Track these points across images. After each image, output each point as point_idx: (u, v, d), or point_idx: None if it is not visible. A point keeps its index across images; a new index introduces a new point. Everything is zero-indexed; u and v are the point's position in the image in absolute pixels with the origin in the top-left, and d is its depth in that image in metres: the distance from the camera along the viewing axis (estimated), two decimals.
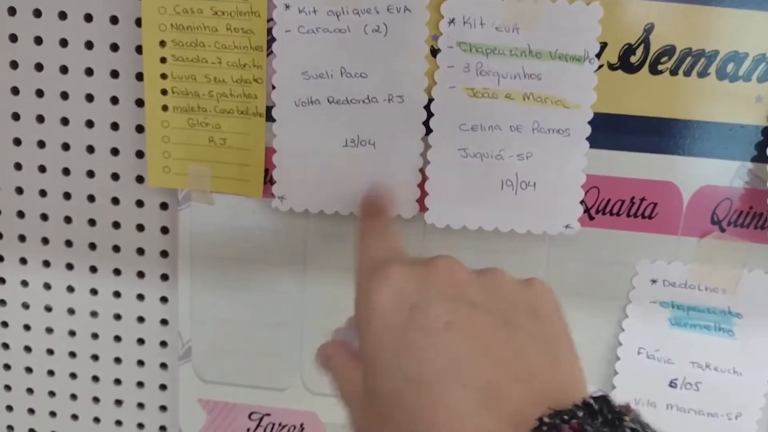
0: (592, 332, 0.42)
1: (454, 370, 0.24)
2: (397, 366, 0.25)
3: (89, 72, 0.42)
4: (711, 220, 0.40)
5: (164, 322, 0.47)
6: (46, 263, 0.46)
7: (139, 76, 0.42)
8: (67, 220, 0.45)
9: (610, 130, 0.39)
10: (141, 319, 0.47)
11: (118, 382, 0.48)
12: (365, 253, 0.32)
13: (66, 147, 0.44)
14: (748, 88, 0.38)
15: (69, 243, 0.46)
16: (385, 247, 0.32)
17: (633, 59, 0.38)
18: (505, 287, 0.28)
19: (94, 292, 0.47)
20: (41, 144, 0.44)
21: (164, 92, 0.41)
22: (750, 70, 0.37)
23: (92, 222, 0.45)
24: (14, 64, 0.42)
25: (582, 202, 0.40)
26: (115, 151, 0.44)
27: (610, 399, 0.22)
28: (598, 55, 0.38)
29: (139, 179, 0.44)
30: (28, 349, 0.48)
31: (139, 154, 0.44)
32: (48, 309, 0.47)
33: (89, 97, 0.43)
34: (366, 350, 0.27)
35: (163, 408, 0.49)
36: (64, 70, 0.42)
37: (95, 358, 0.48)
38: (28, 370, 0.49)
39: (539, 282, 0.28)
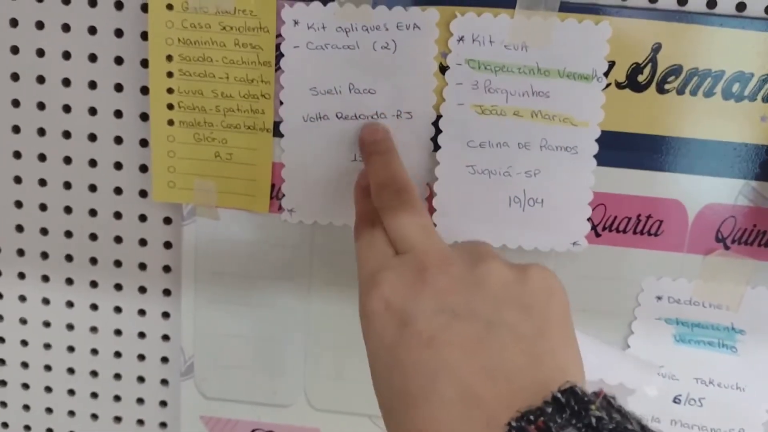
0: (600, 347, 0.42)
1: (436, 384, 0.25)
2: (388, 383, 0.27)
3: (92, 85, 0.42)
4: (716, 237, 0.40)
5: (166, 337, 0.46)
6: (45, 278, 0.46)
7: (144, 90, 0.41)
8: (68, 234, 0.45)
9: (618, 148, 0.39)
10: (142, 335, 0.46)
11: (117, 398, 0.48)
12: (361, 254, 0.32)
13: (68, 161, 0.43)
14: (753, 107, 0.38)
15: (69, 258, 0.45)
16: (378, 247, 0.32)
17: (640, 78, 0.38)
18: (495, 282, 0.28)
19: (94, 307, 0.46)
20: (42, 157, 0.43)
21: (170, 107, 0.41)
22: (755, 90, 0.38)
23: (93, 236, 0.45)
24: (15, 76, 0.42)
25: (589, 219, 0.40)
26: (118, 165, 0.43)
27: (578, 389, 0.23)
28: (606, 74, 0.38)
29: (143, 194, 0.44)
30: (25, 365, 0.47)
31: (143, 168, 0.43)
32: (46, 324, 0.46)
33: (92, 111, 0.42)
34: (369, 366, 0.29)
35: (163, 425, 0.48)
36: (66, 82, 0.42)
37: (94, 374, 0.47)
38: (25, 386, 0.48)
39: (535, 268, 0.28)
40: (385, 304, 0.28)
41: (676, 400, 0.42)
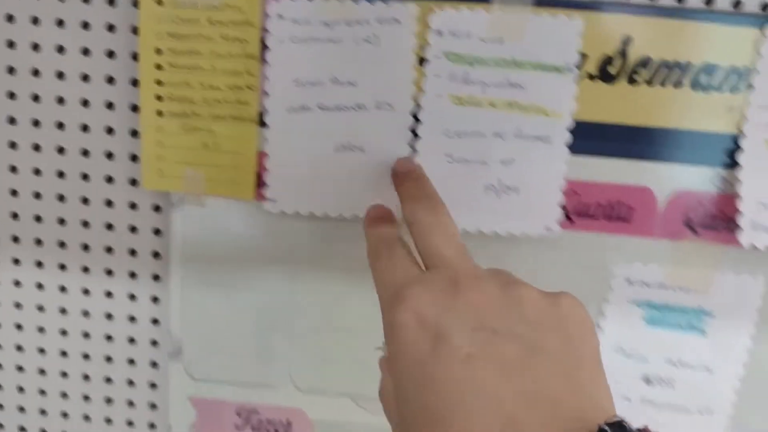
0: None
1: (475, 404, 0.24)
2: (420, 400, 0.26)
3: (85, 78, 0.43)
4: (685, 223, 0.42)
5: (155, 321, 0.48)
6: (39, 264, 0.47)
7: (134, 82, 0.43)
8: (61, 221, 0.46)
9: (590, 138, 0.41)
10: (132, 319, 0.48)
11: (108, 380, 0.49)
12: (382, 274, 0.32)
13: (61, 150, 0.45)
14: (720, 98, 0.40)
15: (62, 244, 0.46)
16: (401, 265, 0.32)
17: (611, 70, 0.40)
18: (530, 306, 0.27)
19: (86, 292, 0.47)
20: (36, 147, 0.45)
21: (159, 98, 0.43)
22: (722, 81, 0.39)
23: (85, 224, 0.46)
24: (11, 70, 0.43)
25: (562, 206, 0.42)
26: (109, 155, 0.45)
27: (626, 423, 0.22)
28: (579, 66, 0.40)
29: (133, 182, 0.45)
30: (19, 348, 0.49)
31: (133, 158, 0.45)
32: (40, 308, 0.48)
33: (85, 102, 0.44)
34: (394, 379, 0.28)
35: (153, 406, 0.50)
36: (60, 75, 0.43)
37: (86, 357, 0.49)
38: (20, 368, 0.49)
39: (568, 297, 0.28)
40: (416, 316, 0.27)
41: (646, 381, 0.44)
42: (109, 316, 0.48)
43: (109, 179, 0.45)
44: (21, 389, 0.50)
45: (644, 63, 0.40)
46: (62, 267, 0.47)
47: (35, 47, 0.43)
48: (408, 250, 0.33)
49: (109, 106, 0.44)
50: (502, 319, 0.27)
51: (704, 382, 0.43)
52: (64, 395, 0.50)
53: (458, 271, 0.29)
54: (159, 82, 0.42)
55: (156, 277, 0.47)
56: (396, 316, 0.28)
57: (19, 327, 0.48)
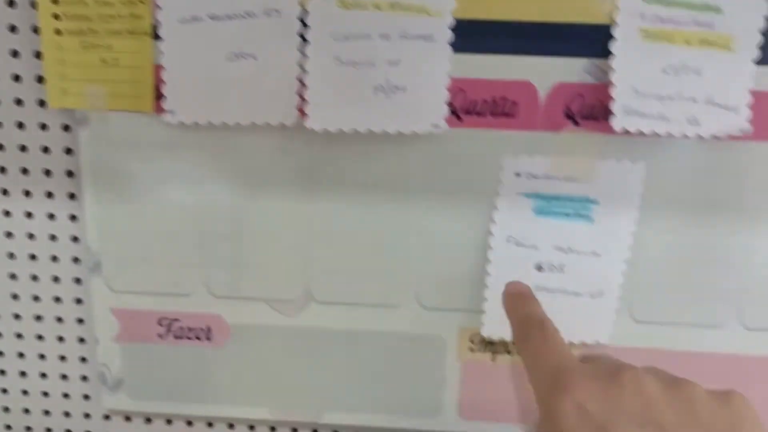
0: (466, 225, 0.46)
1: None
2: None
3: None
4: (566, 114, 0.44)
5: (75, 239, 0.49)
6: None
7: (35, 4, 0.44)
8: None
9: (471, 35, 0.42)
10: (53, 238, 0.50)
11: (36, 298, 0.51)
12: (536, 358, 0.32)
13: None
14: None
15: None
16: (556, 349, 0.32)
17: None
18: (699, 404, 0.27)
19: (6, 213, 0.49)
20: None
21: (57, 17, 0.44)
22: None
23: (0, 147, 0.47)
24: None
25: (449, 103, 0.43)
26: (16, 78, 0.46)
27: None
28: None
29: (41, 103, 0.46)
30: None
31: (40, 79, 0.46)
32: None
33: None
34: None
35: (80, 321, 0.52)
36: None
37: (13, 276, 0.51)
38: None
39: (738, 397, 0.27)
40: (579, 407, 0.27)
41: (538, 268, 0.46)
42: (31, 236, 0.50)
43: (19, 102, 0.47)
44: None
45: None
46: None
47: None
48: (559, 331, 0.34)
49: (12, 29, 0.45)
50: (670, 415, 0.26)
51: (593, 266, 0.46)
52: None
53: (619, 363, 0.29)
54: (55, 1, 0.43)
55: (72, 196, 0.49)
56: (558, 405, 0.27)
57: None
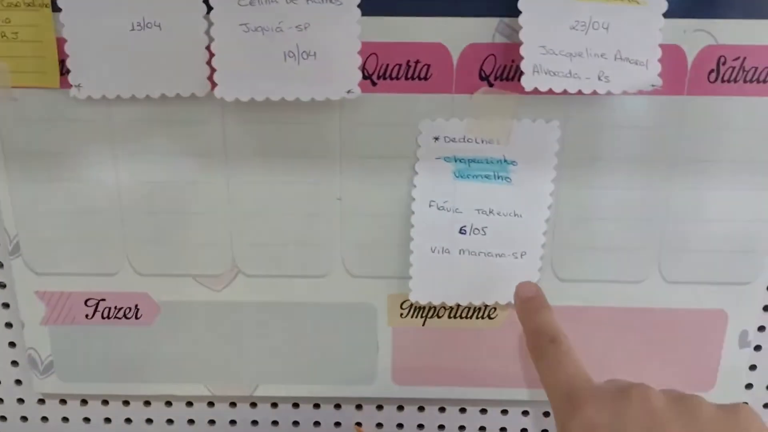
0: (387, 191, 0.46)
1: None
2: None
3: None
4: (479, 76, 0.44)
5: None
6: None
7: None
8: None
9: None
10: None
11: None
12: (550, 375, 0.33)
13: None
14: None
15: None
16: (569, 366, 0.33)
17: None
18: (705, 417, 0.27)
19: None
20: None
21: None
22: None
23: None
24: None
25: (363, 69, 0.43)
26: None
27: None
28: None
29: None
30: None
31: None
32: None
33: None
34: None
35: (6, 305, 0.51)
36: None
37: None
38: None
39: (745, 409, 0.28)
40: (588, 424, 0.28)
41: (461, 231, 0.46)
42: None
43: None
44: None
45: None
46: None
47: None
48: (571, 345, 0.35)
49: None
50: (676, 427, 0.27)
51: (515, 227, 0.46)
52: None
53: (629, 382, 0.30)
54: None
55: None
56: (570, 424, 0.29)
57: None
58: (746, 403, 0.29)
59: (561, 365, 0.34)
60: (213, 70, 0.42)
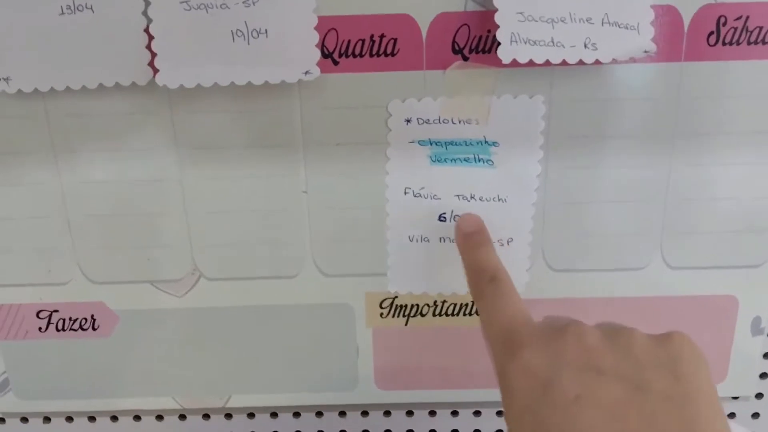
0: (358, 181, 0.42)
1: None
2: None
3: None
4: (452, 49, 0.39)
5: None
6: None
7: None
8: None
9: None
10: None
11: None
12: (490, 314, 0.32)
13: None
14: None
15: None
16: (508, 306, 0.32)
17: None
18: (638, 347, 0.28)
19: None
20: None
21: None
22: None
23: None
24: None
25: (321, 46, 0.39)
26: None
27: None
28: None
29: None
30: None
31: None
32: None
33: None
34: (508, 425, 0.28)
35: None
36: None
37: None
38: None
39: (677, 335, 0.28)
40: (525, 366, 0.28)
41: (441, 218, 0.42)
42: None
43: None
44: None
45: None
46: None
47: None
48: (511, 284, 0.34)
49: None
50: (609, 360, 0.27)
51: (500, 213, 0.42)
52: None
53: (567, 320, 0.30)
54: None
55: None
56: (507, 367, 0.29)
57: None
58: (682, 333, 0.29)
59: (499, 306, 0.33)
60: (154, 54, 0.38)
